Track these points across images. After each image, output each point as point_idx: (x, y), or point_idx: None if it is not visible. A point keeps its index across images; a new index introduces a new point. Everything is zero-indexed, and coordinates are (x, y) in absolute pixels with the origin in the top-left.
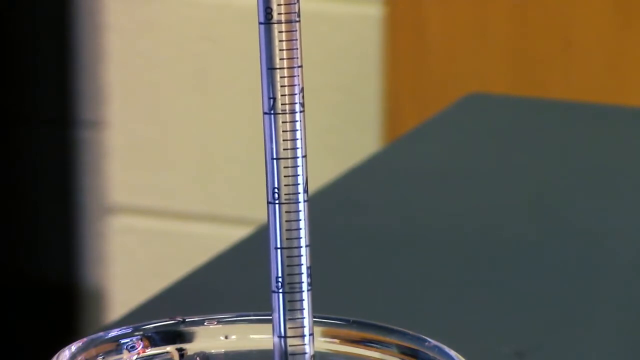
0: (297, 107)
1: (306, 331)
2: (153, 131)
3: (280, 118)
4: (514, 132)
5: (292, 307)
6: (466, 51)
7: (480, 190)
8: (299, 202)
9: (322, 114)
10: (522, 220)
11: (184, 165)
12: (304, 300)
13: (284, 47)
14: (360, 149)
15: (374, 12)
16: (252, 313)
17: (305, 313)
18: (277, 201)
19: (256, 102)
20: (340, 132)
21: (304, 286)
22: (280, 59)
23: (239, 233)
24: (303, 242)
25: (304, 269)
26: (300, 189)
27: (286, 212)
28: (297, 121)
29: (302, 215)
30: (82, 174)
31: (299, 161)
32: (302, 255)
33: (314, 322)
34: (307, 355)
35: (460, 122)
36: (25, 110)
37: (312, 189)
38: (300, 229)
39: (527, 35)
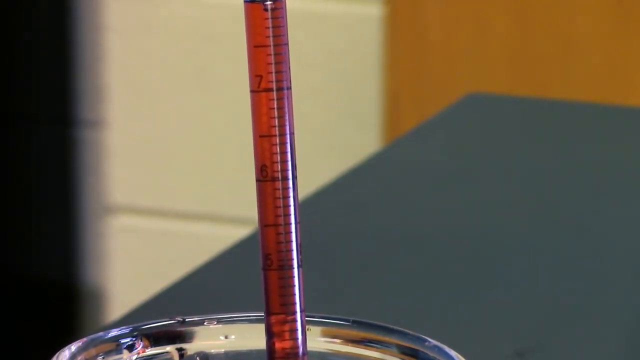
0: (285, 84)
1: (297, 308)
2: (153, 131)
3: (268, 95)
4: (514, 132)
5: (283, 284)
6: (466, 51)
7: (480, 190)
8: (288, 179)
9: (322, 114)
10: (522, 220)
11: (184, 165)
12: (294, 277)
13: (270, 25)
14: (360, 149)
15: (374, 12)
16: (252, 313)
17: (296, 290)
18: (265, 178)
19: None
20: (340, 132)
21: (295, 263)
22: (266, 37)
23: (239, 233)
24: (293, 219)
25: (294, 245)
26: (289, 165)
27: (275, 189)
28: (284, 98)
29: (291, 192)
30: (82, 174)
31: (287, 138)
32: (292, 232)
33: (314, 322)
34: (299, 333)
35: (460, 122)
36: (26, 110)
37: (312, 189)
38: (290, 205)
39: (527, 35)
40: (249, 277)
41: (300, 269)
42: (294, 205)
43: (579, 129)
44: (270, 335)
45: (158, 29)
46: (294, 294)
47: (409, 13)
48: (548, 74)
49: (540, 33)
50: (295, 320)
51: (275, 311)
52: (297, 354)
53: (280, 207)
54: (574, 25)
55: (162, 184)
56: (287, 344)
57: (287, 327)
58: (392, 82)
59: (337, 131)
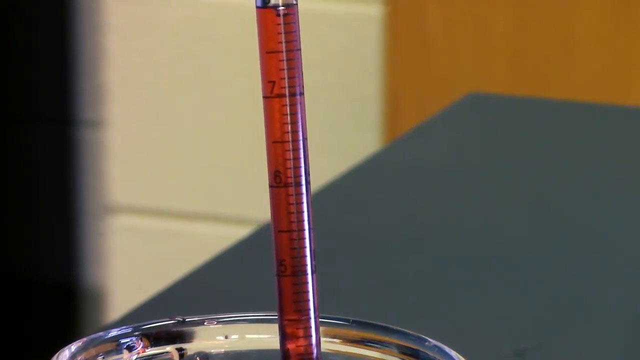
0: (297, 90)
1: (312, 313)
2: (153, 131)
3: (281, 101)
4: (514, 132)
5: (297, 290)
6: (466, 51)
7: (480, 190)
8: (302, 185)
9: (322, 114)
10: (522, 220)
11: (184, 165)
12: (308, 283)
13: (282, 31)
14: (360, 149)
15: (374, 12)
16: (252, 313)
17: (310, 296)
18: (279, 184)
19: (256, 102)
20: (340, 132)
21: (308, 269)
22: (279, 43)
23: (239, 233)
24: (306, 225)
25: (307, 251)
26: (302, 171)
27: (289, 195)
28: (297, 104)
29: (304, 198)
30: (82, 174)
31: (300, 144)
32: (305, 238)
33: None
34: (313, 339)
35: (460, 122)
36: (25, 110)
37: (312, 188)
38: (303, 211)
39: (527, 35)
40: (249, 277)
41: (314, 274)
42: (308, 211)
43: (579, 129)
44: (284, 340)
45: (158, 29)
46: (308, 300)
47: (409, 13)
48: (548, 74)
49: (540, 33)
50: (309, 326)
51: (290, 317)
52: (311, 359)
53: (294, 212)
54: (574, 25)
55: (162, 184)
56: (302, 349)
57: (301, 333)
58: (392, 82)
59: (337, 131)
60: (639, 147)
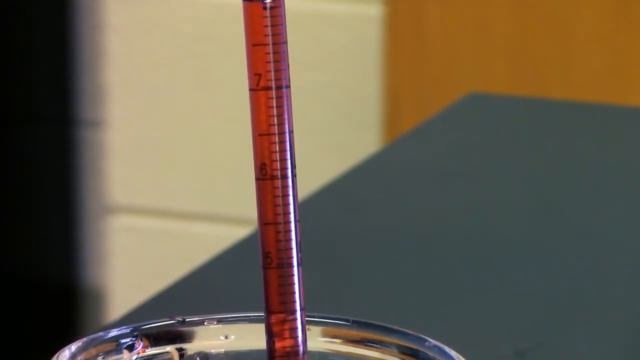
0: (284, 83)
1: (297, 306)
2: (153, 131)
3: (267, 94)
4: (514, 132)
5: (282, 283)
6: (466, 51)
7: (480, 190)
8: (288, 177)
9: (322, 114)
10: (522, 220)
11: (184, 165)
12: (294, 275)
13: (269, 24)
14: (360, 149)
15: (374, 12)
16: (252, 313)
17: (296, 288)
18: (264, 177)
19: None
20: (340, 132)
21: (294, 261)
22: (265, 35)
23: (239, 233)
24: (292, 217)
25: (293, 244)
26: (288, 164)
27: (274, 187)
28: (283, 97)
29: (290, 191)
30: (82, 174)
31: (287, 136)
32: (291, 231)
33: (314, 322)
34: (299, 332)
35: (460, 122)
36: (25, 110)
37: (312, 189)
38: (289, 204)
39: (527, 35)
40: (249, 277)
41: (300, 267)
42: (294, 204)
43: (579, 129)
44: (270, 333)
45: (158, 29)
46: (294, 292)
47: (409, 13)
48: (548, 74)
49: (540, 33)
50: (295, 319)
51: (275, 310)
52: (297, 352)
53: (279, 205)
54: (574, 25)
55: (162, 184)
56: (287, 343)
57: (287, 326)
58: (392, 82)
59: (337, 131)
60: (639, 147)
